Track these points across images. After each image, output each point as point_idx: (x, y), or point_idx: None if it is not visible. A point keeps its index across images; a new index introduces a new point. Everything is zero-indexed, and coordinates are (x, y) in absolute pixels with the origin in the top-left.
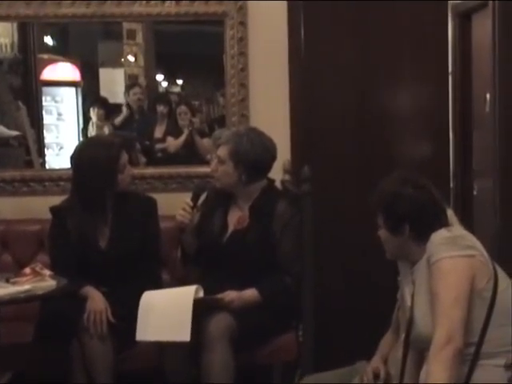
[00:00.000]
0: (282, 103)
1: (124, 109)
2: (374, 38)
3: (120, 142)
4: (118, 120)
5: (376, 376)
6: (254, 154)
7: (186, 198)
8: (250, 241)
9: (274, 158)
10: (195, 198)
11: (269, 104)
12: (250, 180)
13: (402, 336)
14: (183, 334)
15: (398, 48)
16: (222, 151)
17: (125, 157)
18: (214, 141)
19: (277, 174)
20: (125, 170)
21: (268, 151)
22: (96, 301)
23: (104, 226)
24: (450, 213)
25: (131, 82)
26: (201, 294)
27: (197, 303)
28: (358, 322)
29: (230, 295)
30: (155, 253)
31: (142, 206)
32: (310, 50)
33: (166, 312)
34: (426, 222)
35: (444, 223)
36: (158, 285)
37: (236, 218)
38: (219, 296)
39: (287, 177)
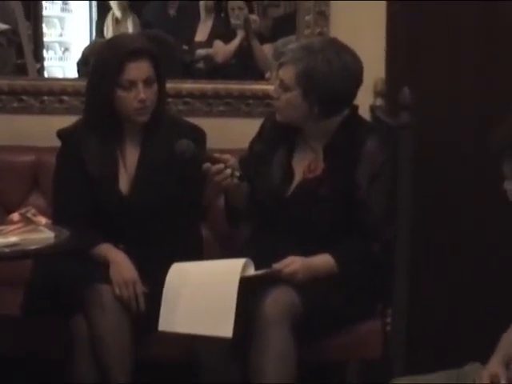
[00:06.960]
0: None
1: None
2: None
3: (143, 46)
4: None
5: None
6: (332, 80)
7: (239, 125)
8: (325, 194)
9: (359, 83)
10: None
11: None
12: (324, 114)
13: None
14: (223, 328)
15: None
16: (287, 73)
17: (141, 70)
18: (276, 55)
19: (365, 97)
20: (132, 89)
21: (352, 75)
22: (123, 267)
23: (124, 164)
24: None
25: None
26: (251, 270)
27: (245, 282)
28: (469, 309)
29: (293, 264)
30: (197, 203)
31: (183, 138)
32: None
33: (200, 295)
34: None
35: None
36: (198, 246)
37: (305, 162)
38: (277, 266)
39: (379, 102)
